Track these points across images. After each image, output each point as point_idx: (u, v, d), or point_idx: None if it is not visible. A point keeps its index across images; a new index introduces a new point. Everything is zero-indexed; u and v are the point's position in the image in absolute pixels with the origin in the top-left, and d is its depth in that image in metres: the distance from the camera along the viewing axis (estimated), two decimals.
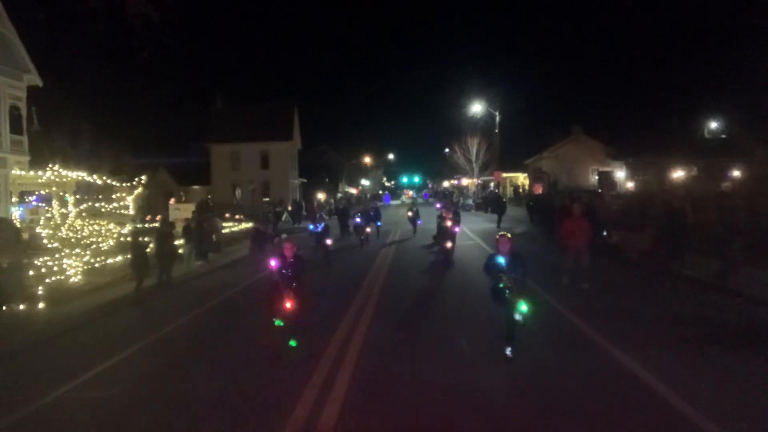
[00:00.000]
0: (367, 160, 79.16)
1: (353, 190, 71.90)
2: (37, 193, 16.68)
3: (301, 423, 5.20)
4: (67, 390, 6.43)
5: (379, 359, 7.06)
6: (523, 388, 5.92)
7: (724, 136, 47.42)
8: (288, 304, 7.17)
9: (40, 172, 12.70)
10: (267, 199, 41.14)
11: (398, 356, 7.17)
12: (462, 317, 9.13)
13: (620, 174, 42.46)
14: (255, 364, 7.13)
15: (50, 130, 18.88)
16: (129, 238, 12.75)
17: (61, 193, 13.85)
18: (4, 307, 10.44)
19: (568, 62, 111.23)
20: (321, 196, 49.11)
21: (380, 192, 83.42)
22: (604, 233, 15.07)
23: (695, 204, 13.31)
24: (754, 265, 11.07)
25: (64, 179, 12.83)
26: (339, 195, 58.05)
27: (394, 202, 61.08)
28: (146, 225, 21.07)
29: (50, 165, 12.91)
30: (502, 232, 6.95)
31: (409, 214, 23.87)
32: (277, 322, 7.34)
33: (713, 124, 52.20)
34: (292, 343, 7.54)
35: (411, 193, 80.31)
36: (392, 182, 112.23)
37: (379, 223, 22.43)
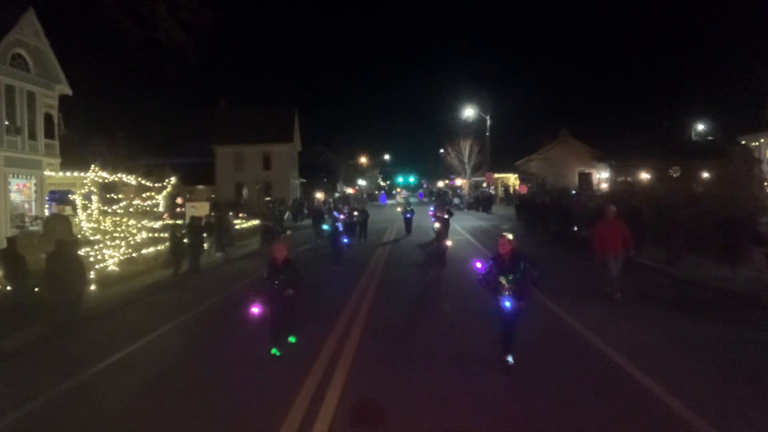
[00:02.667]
0: (364, 160, 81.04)
1: (350, 190, 73.78)
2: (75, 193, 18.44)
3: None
4: (145, 342, 8.48)
5: (373, 368, 6.81)
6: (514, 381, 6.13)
7: (710, 138, 49.65)
8: (255, 310, 7.10)
9: (90, 174, 14.63)
10: (268, 199, 43.06)
11: (392, 364, 6.91)
12: (456, 317, 9.30)
13: (605, 175, 44.73)
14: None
15: (89, 136, 20.92)
16: (166, 233, 14.73)
17: (94, 190, 15.73)
18: None
19: (558, 67, 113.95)
20: (320, 195, 51.00)
21: (376, 192, 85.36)
22: (575, 228, 17.24)
23: (656, 202, 15.32)
24: (696, 253, 13.21)
25: (106, 180, 14.76)
26: (337, 194, 59.97)
27: (389, 202, 63.18)
28: (160, 221, 23.01)
29: (93, 166, 14.83)
30: (503, 234, 6.71)
31: (408, 216, 23.46)
32: (274, 351, 7.28)
33: (700, 127, 54.55)
34: (292, 339, 7.71)
35: (405, 193, 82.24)
36: (388, 182, 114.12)
37: (345, 240, 15.89)
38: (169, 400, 6.08)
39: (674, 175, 39.35)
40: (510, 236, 6.57)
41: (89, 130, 25.70)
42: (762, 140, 16.71)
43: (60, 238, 10.16)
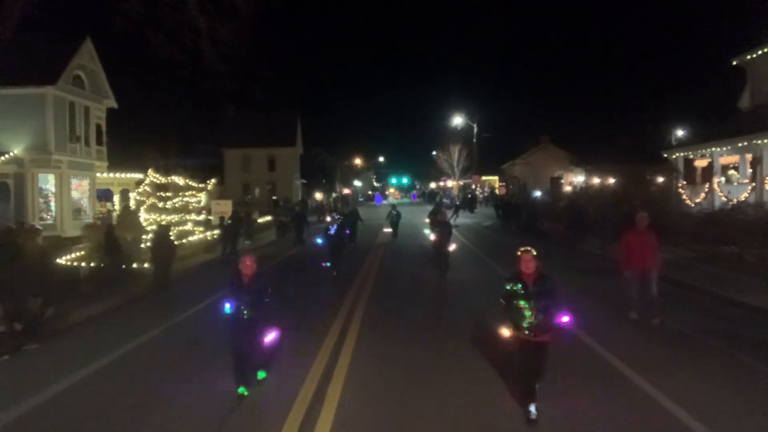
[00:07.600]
0: (359, 162, 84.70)
1: (347, 190, 77.43)
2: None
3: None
4: (201, 306, 12.27)
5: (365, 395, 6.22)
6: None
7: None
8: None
9: (143, 175, 18.47)
10: (275, 198, 46.86)
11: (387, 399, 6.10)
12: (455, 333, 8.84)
13: (581, 179, 48.86)
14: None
15: (142, 143, 24.89)
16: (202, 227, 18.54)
17: (148, 189, 19.51)
18: (135, 265, 16.25)
19: (543, 77, 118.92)
20: (318, 195, 54.58)
21: (370, 192, 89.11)
22: (538, 222, 21.35)
23: (592, 201, 19.38)
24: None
25: (160, 181, 18.51)
26: (334, 195, 63.65)
27: (384, 202, 67.17)
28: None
29: (150, 170, 18.66)
30: (525, 248, 5.50)
31: (395, 220, 23.51)
32: (241, 390, 6.04)
33: (680, 133, 58.79)
34: (261, 374, 6.44)
35: (398, 194, 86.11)
36: (381, 183, 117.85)
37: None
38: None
39: (649, 179, 43.19)
40: (534, 252, 5.46)
41: (139, 138, 29.29)
42: (676, 155, 20.88)
43: (159, 224, 13.99)
